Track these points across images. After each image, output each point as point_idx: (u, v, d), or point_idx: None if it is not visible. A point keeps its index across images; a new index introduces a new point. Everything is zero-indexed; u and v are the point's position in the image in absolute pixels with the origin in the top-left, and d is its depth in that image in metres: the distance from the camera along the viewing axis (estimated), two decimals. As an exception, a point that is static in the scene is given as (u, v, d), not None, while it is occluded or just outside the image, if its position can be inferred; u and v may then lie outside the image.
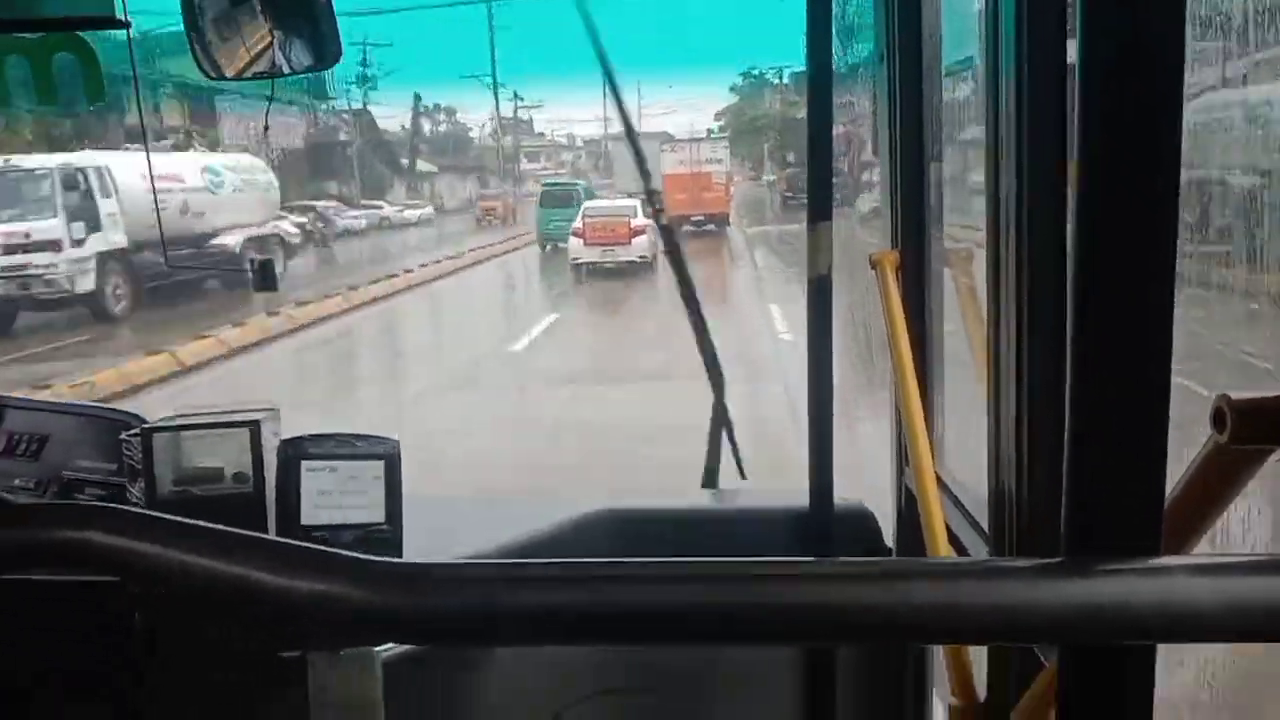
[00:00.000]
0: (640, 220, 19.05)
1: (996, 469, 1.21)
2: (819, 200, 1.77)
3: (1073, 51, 0.99)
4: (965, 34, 1.59)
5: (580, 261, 19.76)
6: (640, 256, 19.35)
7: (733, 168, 32.54)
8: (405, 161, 37.94)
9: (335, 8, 1.66)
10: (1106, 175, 0.85)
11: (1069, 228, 1.04)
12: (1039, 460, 1.12)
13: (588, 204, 21.95)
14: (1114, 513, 0.85)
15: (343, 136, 34.81)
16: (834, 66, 1.72)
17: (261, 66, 1.73)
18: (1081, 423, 0.87)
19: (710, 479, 2.23)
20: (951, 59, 1.68)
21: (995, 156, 1.15)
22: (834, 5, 1.70)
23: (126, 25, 1.92)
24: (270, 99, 1.90)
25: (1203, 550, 0.99)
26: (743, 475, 2.25)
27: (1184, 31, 0.85)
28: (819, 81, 1.72)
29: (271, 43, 1.71)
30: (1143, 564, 0.78)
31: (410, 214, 35.19)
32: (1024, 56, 1.06)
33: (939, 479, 1.58)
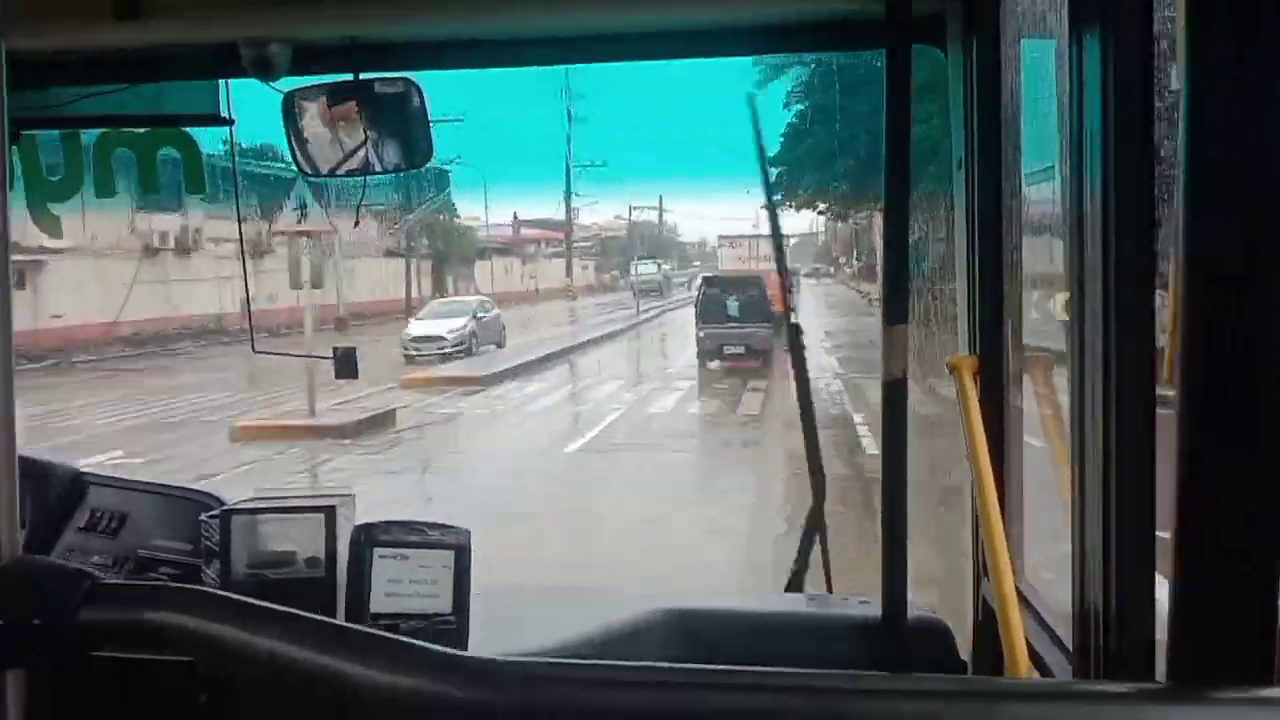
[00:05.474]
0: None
1: (1082, 584, 1.16)
2: (895, 303, 1.75)
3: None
4: (1046, 140, 1.59)
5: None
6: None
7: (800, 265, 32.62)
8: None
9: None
10: (1212, 281, 0.82)
11: (1165, 333, 1.01)
12: (1127, 577, 1.07)
13: None
14: (1223, 636, 0.80)
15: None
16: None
17: (354, 165, 1.81)
18: (1193, 540, 0.82)
19: (796, 583, 2.12)
20: (1031, 167, 1.67)
21: (1080, 262, 1.13)
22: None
23: (230, 123, 2.02)
24: (362, 196, 1.98)
25: None
26: (829, 588, 2.09)
27: None
28: (896, 186, 1.72)
29: (365, 142, 1.79)
30: (1257, 694, 0.73)
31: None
32: (1110, 162, 1.05)
33: (1019, 592, 1.52)
